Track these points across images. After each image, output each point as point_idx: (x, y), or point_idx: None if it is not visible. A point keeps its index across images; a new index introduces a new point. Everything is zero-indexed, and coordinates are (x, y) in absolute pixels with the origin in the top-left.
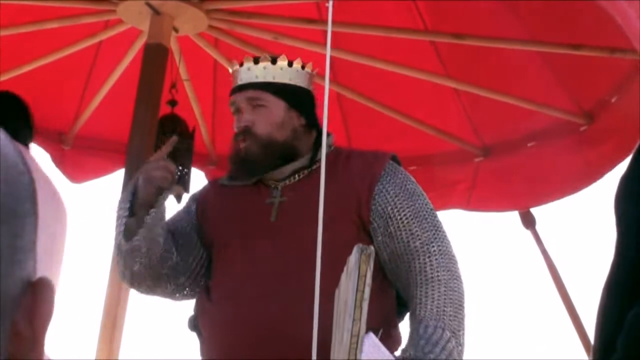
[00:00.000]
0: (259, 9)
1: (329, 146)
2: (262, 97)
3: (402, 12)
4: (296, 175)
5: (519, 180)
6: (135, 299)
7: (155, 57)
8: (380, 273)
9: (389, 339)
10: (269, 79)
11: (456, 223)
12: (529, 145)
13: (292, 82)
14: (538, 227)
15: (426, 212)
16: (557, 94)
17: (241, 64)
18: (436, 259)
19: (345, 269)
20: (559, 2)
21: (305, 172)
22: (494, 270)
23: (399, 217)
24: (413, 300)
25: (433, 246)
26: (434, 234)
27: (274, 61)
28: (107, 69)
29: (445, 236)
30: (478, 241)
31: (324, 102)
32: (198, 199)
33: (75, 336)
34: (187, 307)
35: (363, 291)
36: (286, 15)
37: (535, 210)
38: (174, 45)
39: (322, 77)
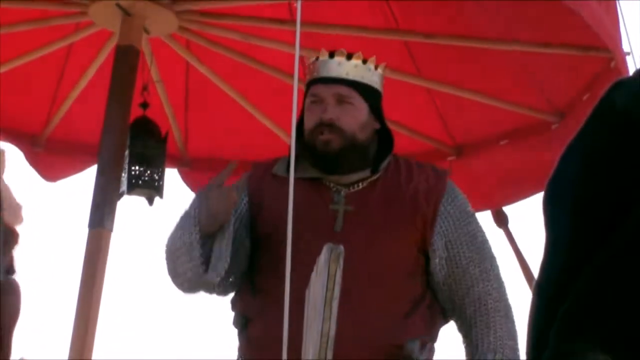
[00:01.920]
0: (230, 10)
1: (387, 156)
2: (351, 95)
3: (374, 11)
4: (360, 183)
5: (492, 179)
6: (108, 297)
7: (126, 59)
8: (429, 293)
9: (430, 352)
10: (359, 79)
11: None
12: (501, 143)
13: (375, 86)
14: (511, 226)
15: (482, 237)
16: (529, 92)
17: (331, 56)
18: (495, 288)
19: (315, 268)
20: (530, 2)
21: (370, 180)
22: None
23: (459, 242)
24: (472, 329)
25: (491, 274)
26: (490, 261)
27: (364, 61)
28: (79, 71)
29: (496, 261)
30: None
31: (293, 99)
32: (249, 188)
33: (48, 335)
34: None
35: (333, 290)
36: (257, 15)
37: (507, 209)
38: (145, 47)
39: (299, 78)
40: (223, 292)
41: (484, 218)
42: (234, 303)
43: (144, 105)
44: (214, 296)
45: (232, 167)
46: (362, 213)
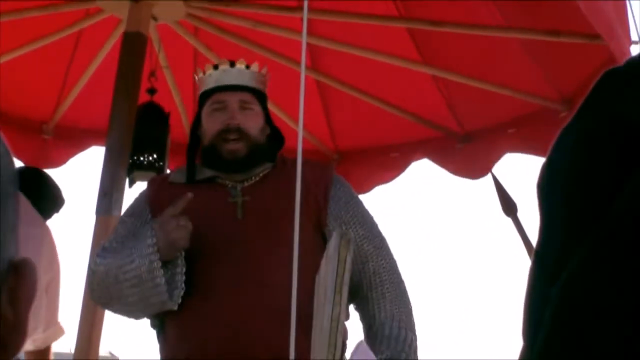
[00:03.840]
0: None
1: (275, 155)
2: (253, 101)
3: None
4: (252, 178)
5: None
6: None
7: (134, 46)
8: None
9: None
10: (257, 86)
11: (434, 213)
12: (509, 131)
13: (264, 91)
14: (519, 215)
15: (370, 217)
16: (537, 80)
17: (231, 64)
18: (388, 262)
19: (324, 255)
20: None
21: (262, 174)
22: (475, 258)
23: (350, 222)
24: (369, 301)
25: (383, 250)
26: (381, 239)
27: (258, 68)
28: (87, 57)
29: (387, 241)
30: (457, 227)
31: (300, 88)
32: (147, 200)
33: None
34: None
35: (343, 276)
36: (265, 3)
37: (516, 198)
38: (153, 34)
39: (300, 63)
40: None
41: (493, 207)
42: None
43: (151, 91)
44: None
45: (188, 197)
46: (258, 201)
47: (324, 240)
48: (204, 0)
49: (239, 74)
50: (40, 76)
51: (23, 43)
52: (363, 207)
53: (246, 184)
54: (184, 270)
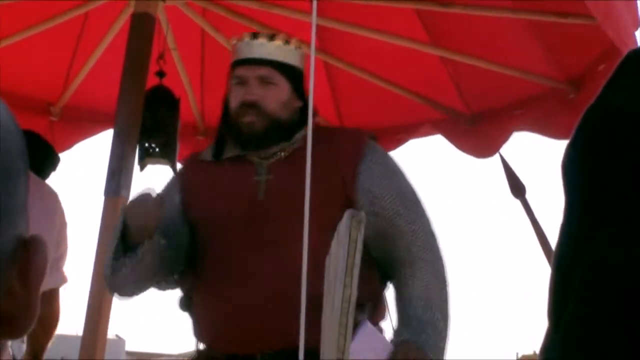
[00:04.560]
0: None
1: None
2: (274, 75)
3: None
4: (281, 153)
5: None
6: None
7: (142, 27)
8: (366, 250)
9: (377, 312)
10: (281, 59)
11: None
12: (516, 112)
13: (297, 65)
14: (528, 196)
15: (408, 190)
16: (544, 61)
17: (254, 36)
18: (421, 238)
19: (335, 235)
20: None
21: (290, 150)
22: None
23: (383, 196)
24: (398, 280)
25: (417, 225)
26: (416, 212)
27: (286, 41)
28: (95, 39)
29: (427, 214)
30: (465, 210)
31: (310, 70)
32: (180, 178)
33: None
34: None
35: (354, 257)
36: None
37: (524, 179)
38: (161, 15)
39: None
40: (171, 286)
41: (501, 188)
42: (180, 284)
43: (160, 73)
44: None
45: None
46: (282, 180)
47: None
48: None
49: (261, 47)
50: (47, 58)
51: (31, 24)
52: (400, 179)
53: (272, 160)
54: (162, 242)
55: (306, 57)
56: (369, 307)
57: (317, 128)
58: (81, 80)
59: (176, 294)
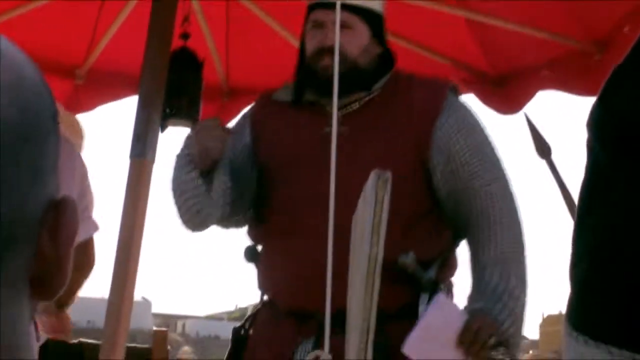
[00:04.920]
0: None
1: (383, 76)
2: (352, 20)
3: None
4: (356, 103)
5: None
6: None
7: None
8: (436, 209)
9: (446, 269)
10: (360, 4)
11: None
12: (542, 73)
13: (377, 9)
14: (554, 157)
15: (488, 148)
16: (569, 22)
17: None
18: (498, 201)
19: (362, 194)
20: None
21: (366, 99)
22: None
23: (460, 154)
24: (474, 244)
25: (495, 186)
26: (495, 173)
27: None
28: (120, 1)
29: (506, 175)
30: None
31: (335, 31)
32: (251, 117)
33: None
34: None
35: (380, 216)
36: None
37: (550, 140)
38: None
39: None
40: (235, 226)
41: (527, 148)
42: (247, 233)
43: (185, 36)
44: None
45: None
46: (355, 133)
47: (428, 178)
48: None
49: None
50: (71, 21)
51: None
52: (479, 136)
53: (348, 110)
54: (223, 182)
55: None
56: (437, 265)
57: (396, 75)
58: (105, 44)
59: (203, 253)
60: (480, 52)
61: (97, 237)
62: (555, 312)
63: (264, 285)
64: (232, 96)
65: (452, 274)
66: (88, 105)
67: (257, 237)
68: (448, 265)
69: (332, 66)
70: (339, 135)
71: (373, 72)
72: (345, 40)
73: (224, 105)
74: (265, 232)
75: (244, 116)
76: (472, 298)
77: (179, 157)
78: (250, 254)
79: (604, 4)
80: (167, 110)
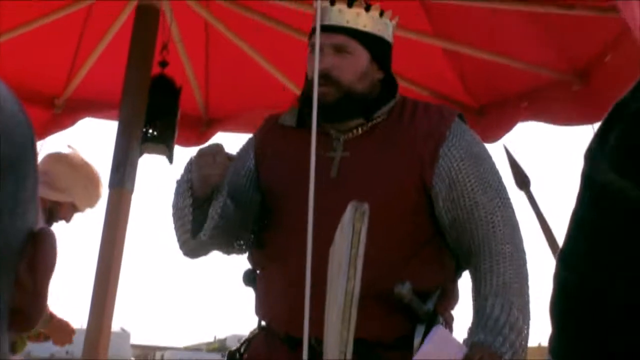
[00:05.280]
0: None
1: (394, 98)
2: (350, 44)
3: None
4: (359, 129)
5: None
6: (129, 257)
7: (146, 19)
8: (438, 238)
9: (446, 300)
10: (360, 27)
11: None
12: (522, 105)
13: (379, 34)
14: (532, 188)
15: (491, 177)
16: (550, 53)
17: (332, 2)
18: (500, 230)
19: (339, 226)
20: None
21: (369, 125)
22: None
23: (463, 183)
24: (476, 274)
25: (497, 215)
26: (498, 202)
27: (367, 8)
28: (100, 31)
29: (510, 204)
30: None
31: (315, 61)
32: (256, 141)
33: (68, 296)
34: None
35: (357, 248)
36: None
37: (529, 171)
38: (165, 7)
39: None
40: (237, 251)
41: (505, 180)
42: (247, 257)
43: (163, 63)
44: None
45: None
46: (357, 158)
47: (430, 206)
48: None
49: (339, 13)
50: (51, 51)
51: (35, 17)
52: (483, 164)
53: (350, 135)
54: (218, 210)
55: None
56: (437, 295)
57: (402, 101)
58: (85, 73)
59: (182, 284)
60: (459, 82)
61: (75, 268)
62: (534, 344)
63: (260, 309)
64: (211, 124)
65: (452, 306)
66: (65, 124)
67: (255, 262)
68: (448, 296)
69: (328, 93)
70: (341, 159)
71: (374, 98)
72: (341, 65)
73: (203, 133)
74: (262, 256)
75: (250, 140)
76: (472, 330)
77: (178, 182)
78: (248, 279)
79: (584, 34)
80: (143, 137)
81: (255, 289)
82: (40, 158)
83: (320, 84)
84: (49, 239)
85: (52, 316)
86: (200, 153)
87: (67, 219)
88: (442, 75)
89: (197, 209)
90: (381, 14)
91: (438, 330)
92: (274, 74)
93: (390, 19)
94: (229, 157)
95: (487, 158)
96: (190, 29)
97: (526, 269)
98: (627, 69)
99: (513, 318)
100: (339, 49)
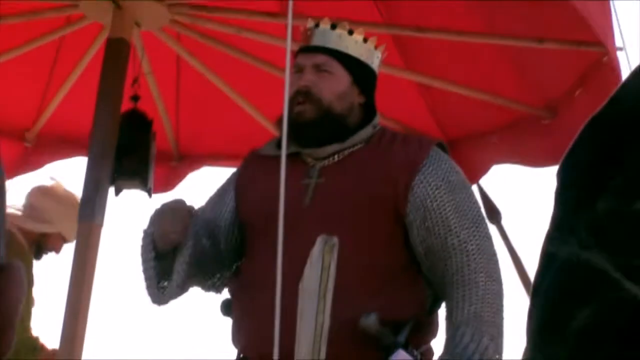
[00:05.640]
0: (222, 3)
1: (373, 126)
2: (331, 64)
3: (362, 5)
4: (336, 156)
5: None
6: (98, 292)
7: (117, 52)
8: (414, 267)
9: (423, 328)
10: (342, 49)
11: None
12: (492, 140)
13: (361, 58)
14: (503, 222)
15: (467, 206)
16: (520, 87)
17: (317, 25)
18: (474, 259)
19: (308, 260)
20: None
21: (346, 152)
22: None
23: (438, 211)
24: (449, 302)
25: (472, 244)
26: (473, 231)
27: (350, 32)
28: (70, 64)
29: (486, 233)
30: None
31: (284, 98)
32: (236, 177)
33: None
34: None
35: (327, 282)
36: (248, 9)
37: (500, 204)
38: (136, 40)
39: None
40: (214, 289)
41: None
42: (227, 286)
43: (135, 98)
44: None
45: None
46: (331, 185)
47: (405, 234)
48: (188, 6)
49: (322, 35)
50: (22, 83)
51: (4, 50)
52: (460, 193)
53: (327, 162)
54: (183, 265)
55: (282, 82)
56: (410, 326)
57: (382, 130)
58: (56, 106)
59: (154, 322)
60: (430, 116)
61: (44, 303)
62: None
63: (235, 339)
64: (182, 160)
65: (429, 339)
66: (36, 164)
67: (232, 291)
68: (424, 328)
69: (306, 110)
70: (315, 186)
71: (352, 122)
72: (321, 83)
73: (174, 168)
74: (238, 285)
75: (232, 175)
76: (441, 358)
77: (144, 234)
78: (226, 308)
79: (556, 69)
80: (117, 173)
81: (232, 319)
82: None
83: (299, 102)
84: (15, 273)
85: (42, 347)
86: (160, 210)
87: (57, 250)
88: (414, 109)
89: (161, 260)
90: (365, 40)
91: (398, 353)
92: (245, 107)
93: (376, 47)
94: (190, 211)
95: (465, 187)
96: (161, 62)
97: (500, 300)
98: (597, 103)
99: (482, 347)
100: (319, 68)
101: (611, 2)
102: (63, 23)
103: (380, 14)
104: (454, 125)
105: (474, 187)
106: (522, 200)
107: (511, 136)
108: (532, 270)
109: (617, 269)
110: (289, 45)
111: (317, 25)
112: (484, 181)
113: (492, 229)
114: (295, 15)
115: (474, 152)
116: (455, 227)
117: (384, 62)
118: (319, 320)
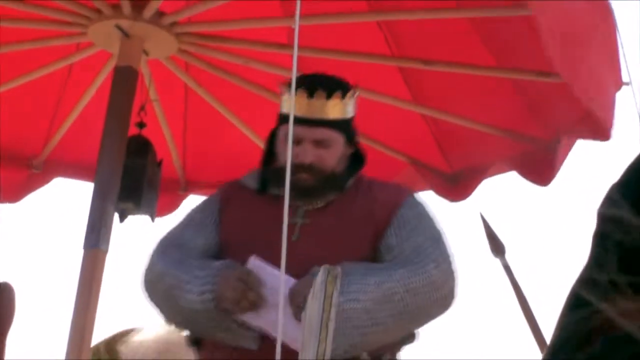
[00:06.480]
0: (230, 34)
1: (361, 166)
2: (330, 135)
3: (370, 37)
4: (321, 201)
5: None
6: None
7: (124, 80)
8: None
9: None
10: (338, 116)
11: None
12: (496, 175)
13: (350, 116)
14: (508, 256)
15: (432, 229)
16: (528, 120)
17: (310, 95)
18: (413, 243)
19: (311, 290)
20: (529, 31)
21: (330, 198)
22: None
23: (404, 237)
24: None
25: (427, 248)
26: (433, 242)
27: (343, 97)
28: (78, 92)
29: (445, 251)
30: None
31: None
32: (220, 201)
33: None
34: None
35: (329, 312)
36: (256, 39)
37: (505, 239)
38: (144, 69)
39: None
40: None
41: (480, 247)
42: None
43: (140, 125)
44: None
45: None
46: (317, 224)
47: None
48: (196, 36)
49: (320, 107)
50: (29, 110)
51: (12, 77)
52: (427, 220)
53: (311, 207)
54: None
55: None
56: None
57: (359, 178)
58: (63, 134)
59: None
60: (436, 149)
61: (49, 330)
62: None
63: None
64: (189, 189)
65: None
66: (41, 183)
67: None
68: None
69: (309, 179)
70: (302, 225)
71: (342, 174)
72: (323, 157)
73: (180, 198)
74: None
75: (213, 198)
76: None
77: (202, 266)
78: (193, 339)
79: (563, 103)
80: (124, 199)
81: (199, 350)
82: None
83: (302, 173)
84: (6, 294)
85: None
86: (236, 275)
87: None
88: (420, 141)
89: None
90: (352, 94)
91: (254, 261)
92: (251, 137)
93: (352, 86)
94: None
95: (433, 218)
96: (169, 91)
97: (417, 289)
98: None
99: (367, 304)
100: (320, 145)
101: (618, 37)
102: (72, 51)
103: (389, 47)
104: (460, 158)
105: (478, 219)
106: (526, 234)
107: (519, 170)
108: (535, 303)
109: None
110: (295, 76)
111: (312, 96)
112: (486, 212)
113: (496, 262)
114: (302, 47)
115: (477, 182)
116: (411, 236)
117: (392, 95)
118: (320, 349)
